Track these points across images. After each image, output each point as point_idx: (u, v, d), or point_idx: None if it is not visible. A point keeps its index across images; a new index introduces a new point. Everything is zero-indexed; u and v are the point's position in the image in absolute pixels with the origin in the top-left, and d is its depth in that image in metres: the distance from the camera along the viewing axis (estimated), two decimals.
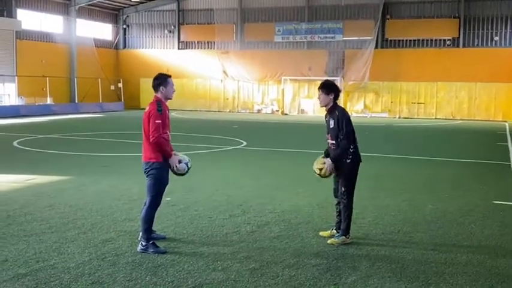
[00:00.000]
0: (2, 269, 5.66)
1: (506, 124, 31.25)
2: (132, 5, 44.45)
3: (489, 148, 18.95)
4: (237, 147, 17.80)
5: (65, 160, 14.30)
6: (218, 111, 42.01)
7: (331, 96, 6.86)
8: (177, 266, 5.84)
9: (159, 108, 6.26)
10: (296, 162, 14.75)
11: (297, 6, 40.08)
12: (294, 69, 39.38)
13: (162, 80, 6.39)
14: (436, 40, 37.10)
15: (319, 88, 6.97)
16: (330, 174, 6.93)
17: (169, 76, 6.52)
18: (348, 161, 6.80)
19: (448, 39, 36.78)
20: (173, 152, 6.47)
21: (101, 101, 40.92)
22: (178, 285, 5.32)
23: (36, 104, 35.76)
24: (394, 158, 15.37)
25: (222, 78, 42.74)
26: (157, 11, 44.54)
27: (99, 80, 41.25)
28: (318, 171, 6.97)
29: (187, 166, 6.57)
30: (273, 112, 40.76)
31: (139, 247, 6.31)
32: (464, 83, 35.66)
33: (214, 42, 42.84)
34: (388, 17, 37.90)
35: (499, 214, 8.67)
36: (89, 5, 41.06)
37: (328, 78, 38.47)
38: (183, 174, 6.64)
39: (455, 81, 35.70)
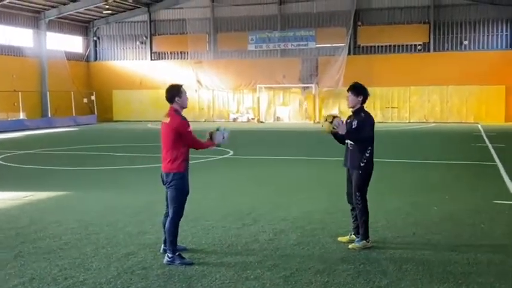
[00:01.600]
0: (49, 285, 5.55)
1: (479, 126, 32.00)
2: (102, 17, 44.01)
3: (471, 149, 19.37)
4: (225, 156, 17.77)
5: (55, 175, 14.05)
6: (193, 121, 41.68)
7: (360, 98, 6.99)
8: (209, 277, 5.83)
9: (183, 117, 6.32)
10: (290, 169, 14.85)
11: (269, 14, 40.31)
12: (268, 77, 39.55)
13: (176, 91, 6.47)
14: (407, 45, 37.78)
15: (348, 90, 7.07)
16: (331, 129, 6.93)
17: (181, 85, 6.55)
18: (362, 164, 6.91)
19: (419, 44, 37.50)
20: (208, 137, 6.65)
21: (74, 115, 40.30)
22: None
23: (9, 119, 35.03)
24: (380, 162, 15.54)
25: (196, 88, 42.60)
26: (129, 22, 44.20)
27: (72, 93, 40.66)
28: (328, 128, 6.96)
29: (224, 135, 6.73)
30: (248, 120, 40.81)
31: (165, 259, 6.27)
32: (436, 87, 36.40)
33: (187, 52, 42.72)
34: (360, 23, 38.44)
35: (504, 213, 8.90)
36: (58, 18, 40.47)
37: (303, 85, 39.07)
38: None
39: (427, 85, 36.38)
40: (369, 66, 37.10)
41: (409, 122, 36.61)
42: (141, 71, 43.65)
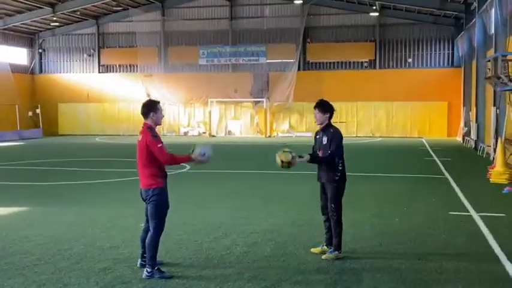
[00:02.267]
0: None
1: (423, 140, 33.22)
2: (48, 29, 43.12)
3: (421, 163, 20.10)
4: (182, 170, 17.77)
5: (11, 191, 13.69)
6: None
7: (327, 115, 7.25)
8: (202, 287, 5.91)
9: (154, 134, 6.37)
10: (251, 182, 15.02)
11: (220, 29, 40.62)
12: (220, 91, 39.77)
13: (151, 107, 6.50)
14: (354, 62, 38.89)
15: (315, 107, 7.32)
16: (290, 166, 7.14)
17: (158, 102, 6.62)
18: (337, 178, 7.17)
19: (365, 62, 38.69)
20: (187, 155, 6.56)
21: (18, 128, 39.16)
22: None
23: None
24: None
25: None
26: (76, 34, 43.50)
27: (16, 106, 39.53)
28: (280, 162, 7.14)
29: (205, 152, 6.68)
30: (199, 134, 40.81)
31: (144, 274, 6.31)
32: (382, 103, 37.56)
33: (137, 66, 42.42)
34: (309, 40, 39.31)
35: (461, 224, 9.38)
36: (3, 29, 39.42)
37: (254, 99, 39.47)
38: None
39: (373, 100, 37.50)
40: (318, 82, 37.93)
41: (356, 136, 37.54)
42: (88, 84, 43.01)
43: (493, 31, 24.09)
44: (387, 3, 35.10)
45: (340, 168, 7.18)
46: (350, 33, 38.65)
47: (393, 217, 9.85)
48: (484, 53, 25.22)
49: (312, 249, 7.49)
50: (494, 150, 20.29)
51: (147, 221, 6.62)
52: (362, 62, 38.76)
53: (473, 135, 26.93)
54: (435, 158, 21.82)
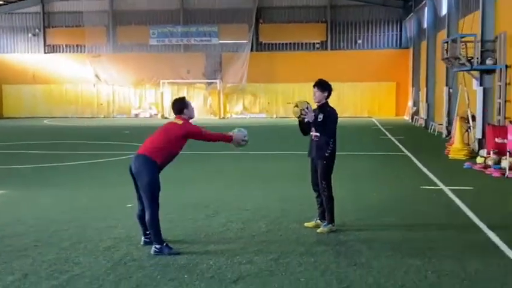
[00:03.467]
0: (31, 284, 5.51)
1: (374, 120, 34.23)
2: None
3: (377, 141, 20.82)
4: None
5: None
6: (92, 117, 40.60)
7: (325, 94, 7.53)
8: (204, 264, 6.10)
9: (191, 124, 6.72)
10: (227, 163, 15.01)
11: (171, 9, 40.13)
12: (172, 72, 39.42)
13: (183, 105, 6.79)
14: (306, 43, 39.40)
15: (314, 86, 7.58)
16: (301, 115, 7.34)
17: (184, 98, 6.97)
18: (327, 155, 7.47)
19: (317, 43, 39.27)
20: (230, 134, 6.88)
21: None
22: (221, 279, 5.63)
23: None
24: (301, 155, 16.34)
25: (94, 82, 41.44)
26: (20, 13, 41.90)
27: None
28: (296, 114, 7.39)
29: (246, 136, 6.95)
30: (151, 116, 40.39)
31: (153, 250, 6.45)
32: (334, 83, 37.40)
33: (84, 46, 41.39)
34: (261, 21, 39.47)
35: (434, 196, 9.95)
36: None
37: (207, 80, 39.39)
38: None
39: None
40: (271, 63, 38.26)
41: None
42: (33, 64, 41.64)
43: (443, 13, 25.06)
44: None
45: (331, 146, 7.48)
46: (302, 14, 39.05)
47: (370, 192, 10.30)
48: (434, 34, 26.18)
49: (306, 224, 7.80)
50: (447, 129, 21.29)
51: (139, 199, 6.71)
52: (314, 43, 39.32)
53: (423, 114, 27.99)
54: (390, 136, 22.62)
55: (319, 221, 7.70)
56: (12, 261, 6.23)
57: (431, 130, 24.80)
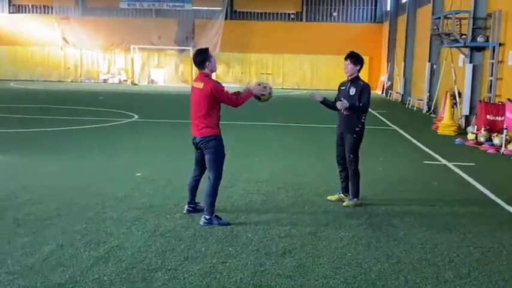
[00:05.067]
0: (71, 256, 5.26)
1: None
2: None
3: None
4: (132, 120, 17.31)
5: None
6: (59, 81, 39.38)
7: (358, 67, 7.37)
8: (244, 236, 5.96)
9: (216, 81, 6.33)
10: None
11: None
12: (142, 37, 38.47)
13: (206, 56, 6.36)
14: (281, 14, 39.03)
15: (346, 58, 7.39)
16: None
17: (208, 49, 6.49)
18: (357, 129, 7.38)
19: (292, 13, 38.94)
20: (248, 87, 6.63)
21: None
22: (267, 252, 5.51)
23: None
24: (286, 127, 16.24)
25: (61, 45, 40.09)
26: None
27: None
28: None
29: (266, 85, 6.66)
30: (120, 82, 39.48)
31: (202, 220, 6.31)
32: (308, 55, 38.21)
33: (52, 7, 39.85)
34: None
35: (440, 173, 10.04)
36: None
37: (179, 48, 38.63)
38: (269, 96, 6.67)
39: (299, 53, 38.03)
40: (245, 33, 37.77)
41: (282, 88, 38.07)
42: None
43: None
44: None
45: (363, 120, 7.40)
46: None
47: (376, 167, 10.30)
48: (414, 9, 26.27)
49: (329, 197, 7.74)
50: (428, 104, 21.55)
51: (197, 169, 6.68)
52: (289, 14, 38.99)
53: (399, 89, 28.25)
54: (371, 109, 22.70)
55: (342, 195, 7.65)
56: (41, 231, 5.95)
57: (408, 105, 25.08)
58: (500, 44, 14.59)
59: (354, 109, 7.27)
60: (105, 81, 39.91)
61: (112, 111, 19.43)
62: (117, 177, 8.83)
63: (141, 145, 12.35)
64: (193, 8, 38.74)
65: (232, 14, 39.07)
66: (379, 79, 36.94)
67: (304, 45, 37.89)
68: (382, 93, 33.85)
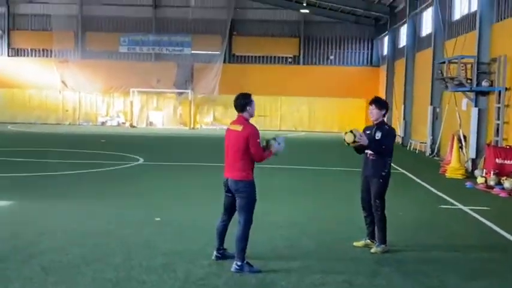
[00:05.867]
0: None
1: None
2: None
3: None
4: (138, 163, 17.24)
5: None
6: (57, 124, 39.33)
7: (383, 112, 7.41)
8: (278, 285, 5.86)
9: (255, 127, 6.39)
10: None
11: (143, 17, 39.51)
12: (141, 80, 38.65)
13: (248, 100, 6.47)
14: (279, 57, 39.54)
15: (371, 103, 7.45)
16: (354, 143, 7.23)
17: (251, 95, 6.53)
18: (384, 174, 7.37)
19: (289, 57, 39.46)
20: (270, 146, 6.55)
21: None
22: None
23: None
24: (293, 169, 16.23)
25: (60, 89, 40.24)
26: None
27: None
28: (347, 139, 7.24)
29: (280, 143, 6.64)
30: (119, 124, 39.48)
31: (234, 267, 6.22)
32: (305, 98, 38.50)
33: (51, 50, 40.17)
34: (235, 33, 39.37)
35: (458, 217, 10.00)
36: None
37: (178, 90, 38.90)
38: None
39: (297, 95, 38.32)
40: (243, 75, 38.09)
41: (280, 130, 38.19)
42: None
43: (423, 34, 25.64)
44: (313, 1, 35.97)
45: (388, 164, 7.39)
46: (275, 28, 39.12)
47: (395, 211, 10.22)
48: (413, 53, 26.71)
49: (355, 243, 7.63)
50: (431, 147, 21.65)
51: (226, 213, 6.62)
52: (286, 57, 39.51)
53: (399, 132, 28.40)
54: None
55: (369, 241, 7.56)
56: (70, 279, 5.81)
57: (410, 148, 25.19)
58: (506, 89, 14.79)
59: (375, 150, 7.26)
60: (103, 123, 39.90)
61: (116, 154, 19.37)
62: (136, 221, 8.72)
63: (152, 188, 12.26)
64: (193, 52, 39.18)
65: (231, 58, 39.53)
66: None
67: (301, 87, 38.26)
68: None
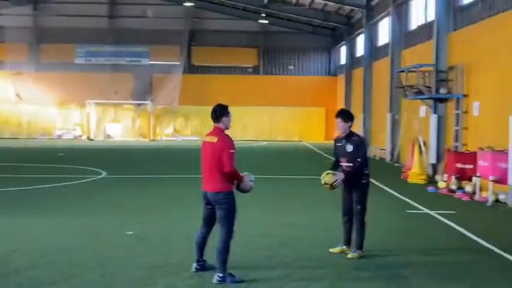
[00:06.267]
0: None
1: (307, 144, 34.97)
2: None
3: (328, 165, 21.08)
4: (102, 176, 16.96)
5: None
6: (12, 138, 38.28)
7: (349, 124, 7.52)
8: None
9: (230, 138, 6.26)
10: (189, 188, 14.59)
11: (99, 28, 39.04)
12: (98, 92, 38.13)
13: (225, 111, 6.41)
14: (239, 67, 39.73)
15: (337, 116, 7.56)
16: (337, 185, 7.45)
17: (228, 106, 6.51)
18: (364, 181, 7.52)
19: (249, 67, 39.72)
20: (242, 174, 6.45)
21: None
22: None
23: None
24: (266, 179, 16.28)
25: (15, 101, 39.23)
26: None
27: None
28: (328, 184, 7.44)
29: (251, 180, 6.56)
30: (75, 137, 38.73)
31: (215, 278, 6.16)
32: (266, 107, 38.78)
33: (4, 63, 39.16)
34: (194, 43, 39.36)
35: (426, 221, 10.24)
36: None
37: (137, 102, 38.49)
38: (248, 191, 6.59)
39: (257, 105, 38.54)
40: (203, 86, 38.14)
41: (241, 140, 38.23)
42: None
43: (380, 44, 26.24)
44: (272, 11, 36.31)
45: (366, 172, 7.53)
46: (235, 39, 39.34)
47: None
48: (370, 63, 27.28)
49: (331, 250, 7.72)
50: (391, 154, 22.10)
51: (205, 225, 6.56)
52: (246, 68, 39.72)
53: None
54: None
55: (345, 247, 7.66)
56: None
57: (371, 155, 25.62)
58: (464, 95, 15.28)
59: (356, 169, 7.38)
60: (59, 137, 39.08)
61: (77, 168, 19.00)
62: (108, 236, 8.57)
63: (120, 202, 12.07)
64: (151, 62, 38.91)
65: (191, 68, 39.50)
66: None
67: (262, 97, 38.55)
68: None
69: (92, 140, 37.90)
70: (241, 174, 6.43)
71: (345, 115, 7.60)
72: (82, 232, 8.85)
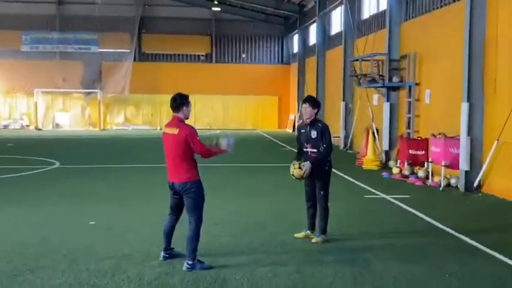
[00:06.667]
0: None
1: (260, 132, 35.16)
2: None
3: (283, 153, 21.32)
4: (55, 166, 16.59)
5: None
6: None
7: (316, 110, 7.66)
8: (233, 280, 5.95)
9: (191, 126, 6.36)
10: (146, 177, 14.49)
11: (46, 14, 37.83)
12: (46, 80, 37.03)
13: (185, 101, 6.42)
14: (191, 55, 39.37)
15: (304, 102, 7.68)
16: (306, 176, 7.62)
17: (188, 96, 6.51)
18: (326, 168, 7.69)
19: (202, 55, 39.42)
20: (219, 145, 6.53)
21: None
22: None
23: None
24: (224, 167, 16.38)
25: None
26: None
27: None
28: (296, 175, 7.58)
29: (230, 141, 6.64)
30: (22, 127, 37.57)
31: (185, 266, 6.21)
32: (219, 96, 38.65)
33: None
34: (144, 31, 38.72)
35: (383, 206, 10.57)
36: None
37: (86, 90, 37.63)
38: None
39: (210, 94, 38.33)
40: (154, 74, 37.66)
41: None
42: None
43: (333, 32, 26.58)
44: None
45: (329, 159, 7.69)
46: (186, 26, 38.86)
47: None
48: (323, 51, 27.62)
49: (296, 235, 7.89)
50: (344, 141, 22.53)
51: (173, 214, 6.59)
52: (199, 55, 39.43)
53: None
54: (290, 148, 23.33)
55: (309, 232, 7.84)
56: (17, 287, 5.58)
57: None
58: (416, 84, 15.73)
59: (321, 158, 7.52)
60: (5, 127, 37.77)
61: (29, 159, 18.50)
62: (71, 226, 8.46)
63: (77, 192, 11.88)
64: (100, 50, 38.06)
65: (141, 56, 38.87)
66: (289, 117, 38.13)
67: (214, 85, 38.39)
68: (293, 131, 34.83)
69: (40, 129, 36.86)
70: (216, 148, 6.50)
71: (313, 101, 7.74)
72: (42, 223, 8.70)
